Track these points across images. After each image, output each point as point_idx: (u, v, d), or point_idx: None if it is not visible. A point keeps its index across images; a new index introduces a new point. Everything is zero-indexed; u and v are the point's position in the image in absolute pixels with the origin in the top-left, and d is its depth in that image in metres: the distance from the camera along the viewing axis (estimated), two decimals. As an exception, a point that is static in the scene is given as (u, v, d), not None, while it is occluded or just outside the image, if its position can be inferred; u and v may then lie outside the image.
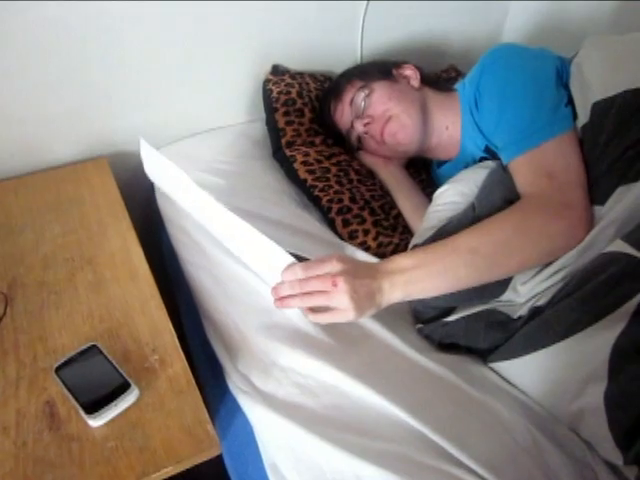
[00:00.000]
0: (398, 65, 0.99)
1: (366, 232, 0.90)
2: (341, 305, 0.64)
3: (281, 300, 0.67)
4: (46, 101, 0.94)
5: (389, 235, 0.92)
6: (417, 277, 0.67)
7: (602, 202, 0.69)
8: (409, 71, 0.98)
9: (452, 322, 0.74)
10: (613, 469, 0.61)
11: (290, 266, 0.67)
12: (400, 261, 0.68)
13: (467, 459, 0.58)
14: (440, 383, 0.68)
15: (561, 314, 0.64)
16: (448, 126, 0.93)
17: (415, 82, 0.97)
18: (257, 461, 0.65)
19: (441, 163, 1.01)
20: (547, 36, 1.26)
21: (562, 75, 0.79)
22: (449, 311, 0.75)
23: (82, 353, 0.65)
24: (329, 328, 0.71)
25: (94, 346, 0.66)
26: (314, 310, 0.67)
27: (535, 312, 0.68)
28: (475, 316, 0.73)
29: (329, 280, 0.64)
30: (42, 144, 0.98)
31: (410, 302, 0.78)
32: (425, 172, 1.08)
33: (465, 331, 0.73)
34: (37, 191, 0.93)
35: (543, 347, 0.65)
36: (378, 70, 0.98)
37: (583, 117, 0.74)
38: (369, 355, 0.69)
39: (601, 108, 0.72)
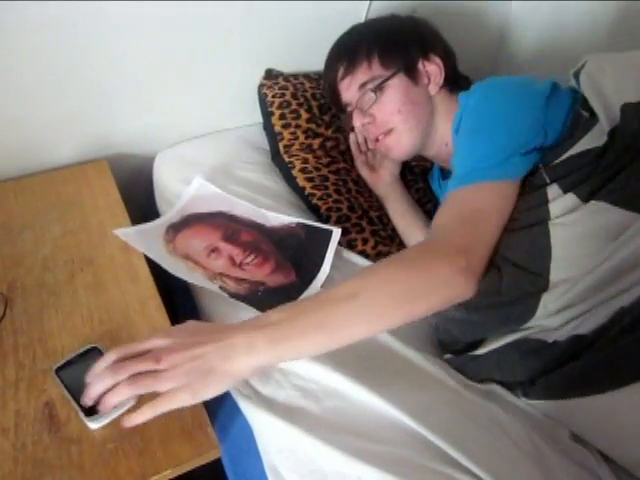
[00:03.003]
0: (426, 55, 0.89)
1: (365, 241, 0.90)
2: (169, 385, 0.53)
3: (102, 403, 0.54)
4: (46, 103, 0.94)
5: (387, 244, 0.92)
6: (286, 334, 0.56)
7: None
8: (435, 68, 0.89)
9: (482, 355, 0.69)
10: (616, 474, 0.62)
11: (103, 356, 0.57)
12: (266, 316, 0.58)
13: (468, 462, 0.58)
14: (440, 387, 0.68)
15: (625, 355, 0.58)
16: (448, 143, 0.88)
17: (434, 87, 0.89)
18: (257, 464, 0.65)
19: (446, 175, 1.00)
20: (551, 37, 1.26)
21: (553, 104, 0.74)
22: (478, 342, 0.71)
23: (82, 355, 0.65)
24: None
25: (95, 348, 0.66)
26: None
27: (577, 341, 0.62)
28: (508, 347, 0.68)
29: (150, 358, 0.54)
30: (42, 146, 0.98)
31: (435, 332, 0.76)
32: (423, 180, 1.07)
33: (498, 365, 0.68)
34: (37, 193, 0.93)
35: (606, 390, 0.59)
36: (403, 55, 0.88)
37: (608, 122, 0.68)
38: (370, 358, 0.69)
39: (634, 109, 0.66)
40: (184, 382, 0.53)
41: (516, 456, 0.61)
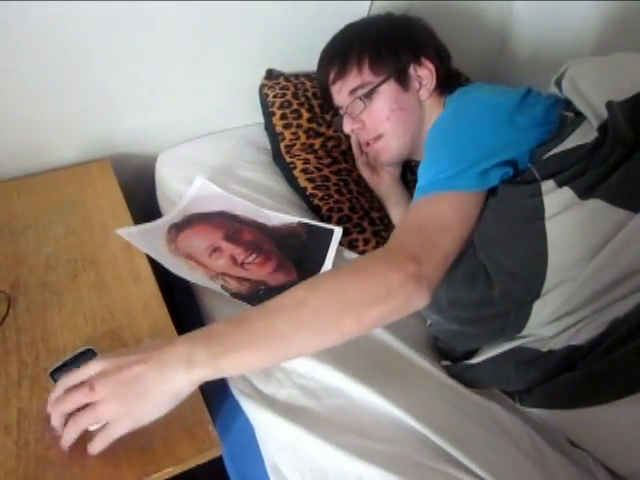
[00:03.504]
0: (418, 60, 0.88)
1: (366, 241, 0.90)
2: (108, 413, 0.52)
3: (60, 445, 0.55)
4: (48, 103, 0.94)
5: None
6: (228, 347, 0.53)
7: (636, 209, 0.60)
8: (426, 72, 0.87)
9: (478, 364, 0.69)
10: (615, 476, 0.62)
11: (55, 388, 0.55)
12: (210, 328, 0.56)
13: (468, 461, 0.59)
14: (441, 386, 0.69)
15: (621, 367, 0.58)
16: None
17: (425, 92, 0.88)
18: (258, 462, 0.65)
19: None
20: (552, 37, 1.26)
21: (524, 113, 0.72)
22: (473, 351, 0.71)
23: (77, 356, 0.65)
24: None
25: (90, 350, 0.66)
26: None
27: (573, 352, 0.61)
28: (503, 357, 0.67)
29: (85, 386, 0.52)
30: (45, 146, 0.99)
31: (435, 340, 0.76)
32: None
33: (495, 374, 0.68)
34: (40, 192, 0.94)
35: (602, 402, 0.59)
36: (394, 61, 0.87)
37: (595, 119, 0.67)
38: (370, 357, 0.69)
39: (618, 107, 0.65)
40: (122, 408, 0.52)
41: (516, 455, 0.61)
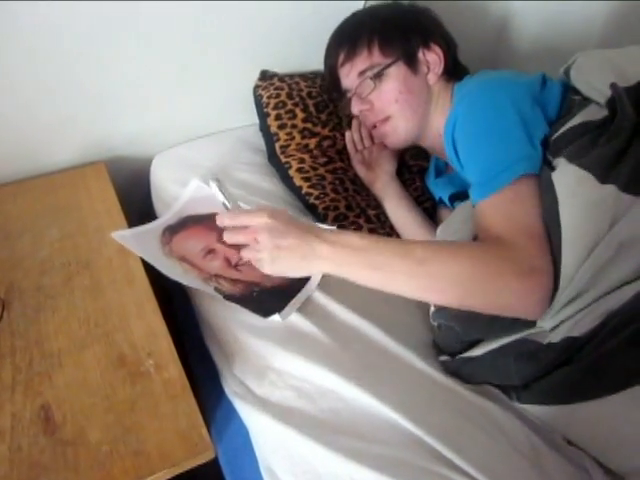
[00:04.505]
0: (427, 44, 0.89)
1: (362, 239, 0.90)
2: (260, 256, 0.69)
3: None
4: (43, 106, 0.94)
5: (385, 242, 0.92)
6: (355, 260, 0.64)
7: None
8: (435, 57, 0.89)
9: (478, 357, 0.68)
10: (612, 474, 0.61)
11: (219, 215, 0.73)
12: (349, 237, 0.66)
13: (463, 463, 0.58)
14: (436, 387, 0.68)
15: (613, 360, 0.57)
16: (442, 134, 0.86)
17: (433, 77, 0.89)
18: (253, 465, 0.65)
19: (439, 172, 1.00)
20: (552, 29, 1.25)
21: (544, 94, 0.75)
22: (473, 344, 0.70)
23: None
24: (325, 331, 0.71)
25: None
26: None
27: (572, 344, 0.60)
28: (504, 349, 0.66)
29: (251, 235, 0.69)
30: (40, 149, 0.99)
31: (435, 333, 0.75)
32: (420, 179, 1.05)
33: (494, 368, 0.67)
34: (35, 196, 0.94)
35: (596, 397, 0.58)
36: (404, 44, 0.88)
37: (603, 99, 0.68)
38: (365, 358, 0.69)
39: (623, 90, 0.66)
40: (266, 258, 0.69)
41: (512, 456, 0.60)
